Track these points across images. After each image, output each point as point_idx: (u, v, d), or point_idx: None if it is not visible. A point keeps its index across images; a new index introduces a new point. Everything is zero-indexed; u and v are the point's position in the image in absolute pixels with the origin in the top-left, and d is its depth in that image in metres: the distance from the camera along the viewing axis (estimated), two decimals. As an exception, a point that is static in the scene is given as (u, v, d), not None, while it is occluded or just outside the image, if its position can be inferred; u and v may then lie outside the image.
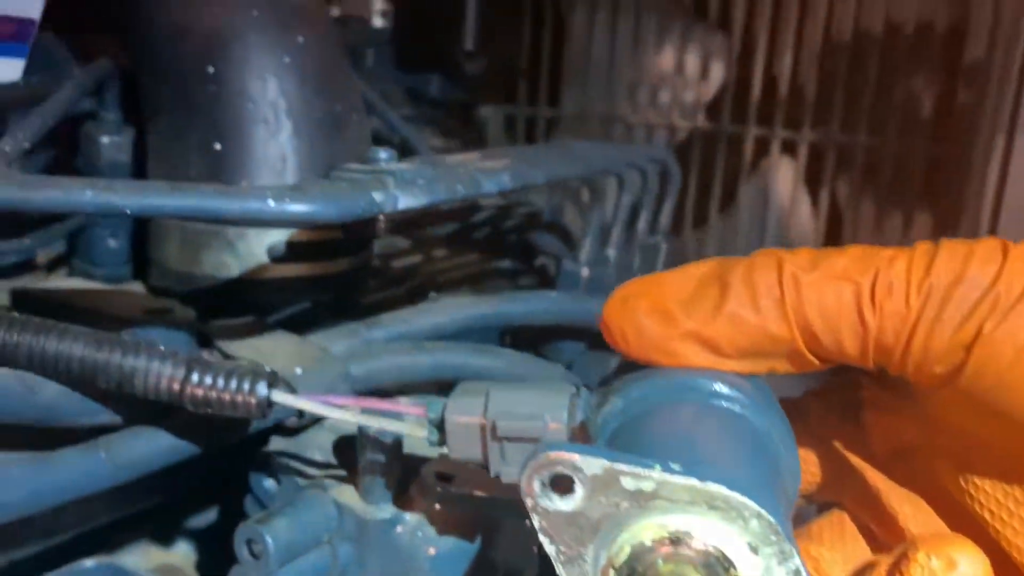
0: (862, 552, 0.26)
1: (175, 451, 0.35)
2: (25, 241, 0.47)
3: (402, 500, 0.35)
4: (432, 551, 0.34)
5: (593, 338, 0.55)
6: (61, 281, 0.50)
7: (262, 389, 0.31)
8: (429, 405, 0.27)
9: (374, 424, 0.29)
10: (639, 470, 0.19)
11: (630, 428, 0.22)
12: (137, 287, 0.49)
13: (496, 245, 0.67)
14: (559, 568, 0.21)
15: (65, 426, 0.34)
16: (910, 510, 0.25)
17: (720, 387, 0.23)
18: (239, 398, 0.31)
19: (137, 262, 0.50)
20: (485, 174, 0.42)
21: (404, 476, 0.35)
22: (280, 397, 0.31)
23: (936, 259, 0.21)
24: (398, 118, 0.61)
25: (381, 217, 0.45)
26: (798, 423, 0.25)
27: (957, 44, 0.75)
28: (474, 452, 0.26)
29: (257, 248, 0.45)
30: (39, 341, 0.30)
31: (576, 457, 0.20)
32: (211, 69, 0.44)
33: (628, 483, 0.19)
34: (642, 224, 0.61)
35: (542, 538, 0.21)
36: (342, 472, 0.37)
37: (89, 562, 0.41)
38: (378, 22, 0.88)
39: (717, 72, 0.89)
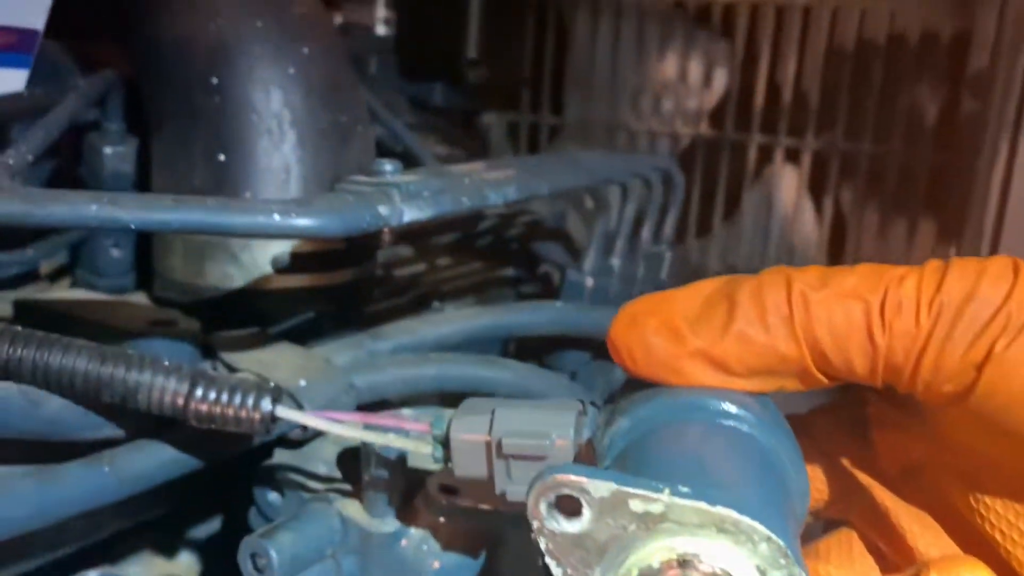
0: (870, 571, 0.26)
1: (179, 464, 0.35)
2: (28, 252, 0.47)
3: (406, 513, 0.35)
4: (436, 565, 0.34)
5: (597, 348, 0.55)
6: (64, 292, 0.50)
7: (266, 404, 0.30)
8: (434, 422, 0.27)
9: (378, 440, 0.29)
10: (647, 493, 0.19)
11: (638, 448, 0.22)
12: (140, 298, 0.49)
13: (499, 253, 0.66)
14: (566, 590, 0.21)
15: (69, 440, 0.34)
16: (919, 529, 0.24)
17: (728, 407, 0.22)
18: (243, 413, 0.30)
19: (140, 272, 0.50)
20: (490, 186, 0.42)
21: (409, 489, 0.35)
22: (284, 413, 0.30)
23: (947, 277, 0.21)
24: (402, 126, 0.61)
25: (386, 229, 0.45)
26: (805, 440, 0.25)
27: (961, 53, 0.75)
28: (479, 470, 0.26)
29: (261, 259, 0.45)
30: (43, 355, 0.30)
31: (583, 480, 0.19)
32: (215, 80, 0.44)
33: (636, 505, 0.19)
34: (646, 233, 0.61)
35: (548, 560, 0.21)
36: (347, 485, 0.37)
37: (92, 573, 0.41)
38: (381, 30, 0.88)
39: (720, 80, 0.89)
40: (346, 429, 0.29)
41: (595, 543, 0.20)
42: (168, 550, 0.46)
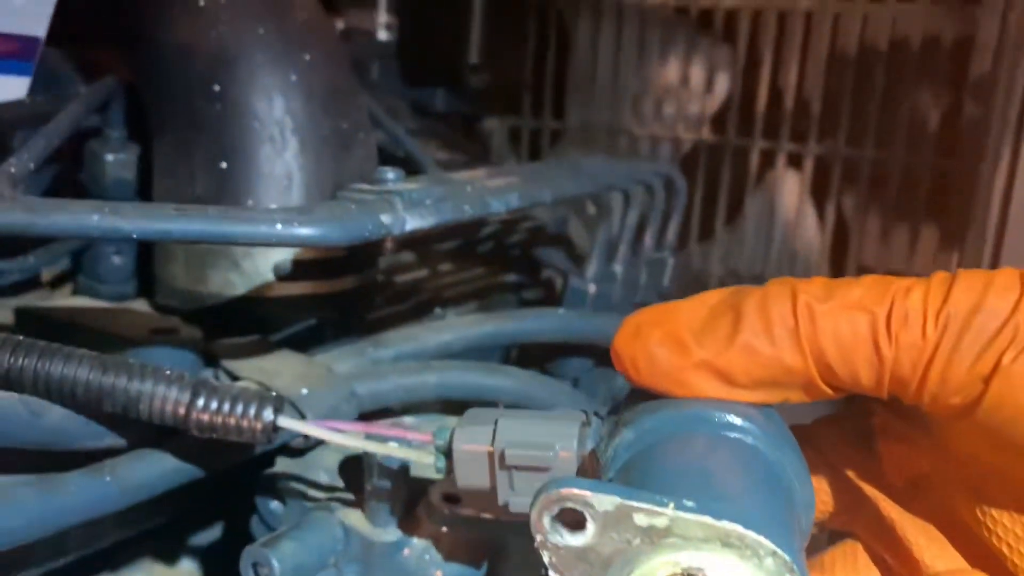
0: (876, 583, 0.26)
1: (181, 474, 0.35)
2: (29, 259, 0.47)
3: (409, 522, 0.34)
4: (439, 574, 0.34)
5: (600, 355, 0.55)
6: (66, 299, 0.50)
7: (268, 414, 0.30)
8: (436, 432, 0.27)
9: (380, 450, 0.29)
10: (652, 507, 0.19)
11: (642, 460, 0.22)
12: (142, 305, 0.49)
13: (501, 260, 0.66)
14: (570, 604, 0.21)
15: (70, 450, 0.33)
16: (925, 541, 0.24)
17: (733, 419, 0.22)
18: (245, 423, 0.30)
19: (142, 279, 0.50)
20: (493, 193, 0.42)
21: (411, 498, 0.35)
22: (286, 422, 0.30)
23: (953, 289, 0.21)
24: (403, 132, 0.61)
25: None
26: (809, 451, 0.24)
27: (963, 58, 0.75)
28: (482, 480, 0.26)
29: (263, 266, 0.45)
30: (44, 365, 0.30)
31: (587, 493, 0.19)
32: (217, 87, 0.44)
33: (640, 519, 0.19)
34: (648, 239, 0.61)
35: (552, 574, 0.21)
36: (349, 493, 0.37)
37: (94, 583, 0.41)
38: (383, 35, 0.88)
39: (722, 85, 0.89)
40: (348, 439, 0.29)
41: (599, 557, 0.20)
42: (170, 559, 0.46)
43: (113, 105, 0.49)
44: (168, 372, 0.31)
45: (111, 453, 0.34)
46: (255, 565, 0.34)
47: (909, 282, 0.22)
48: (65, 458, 0.33)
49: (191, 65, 0.45)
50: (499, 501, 0.26)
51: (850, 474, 0.26)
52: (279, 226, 0.33)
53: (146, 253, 0.49)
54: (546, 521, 0.20)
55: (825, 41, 0.81)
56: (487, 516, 0.30)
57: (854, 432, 0.27)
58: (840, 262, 0.84)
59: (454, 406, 0.43)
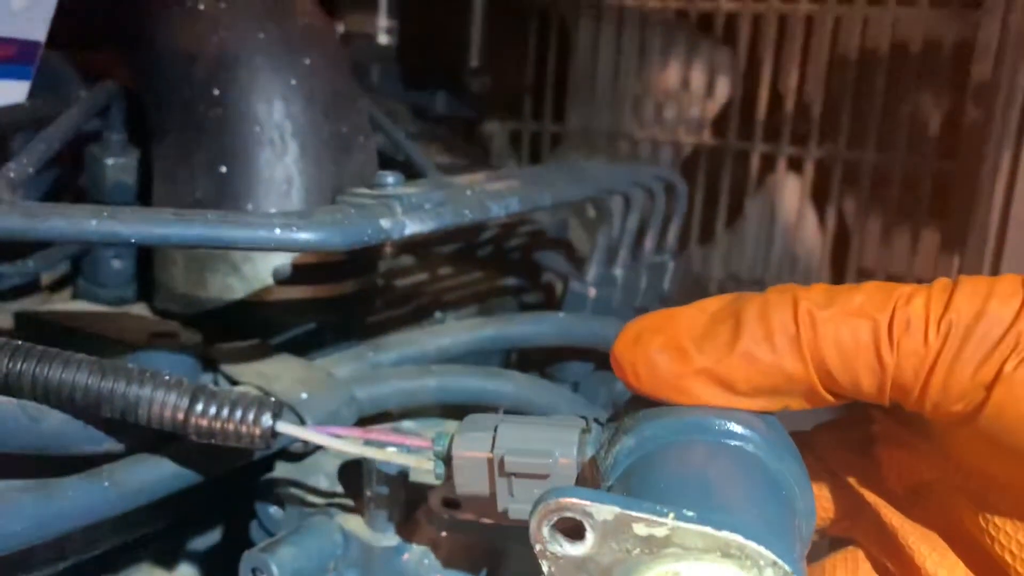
0: (877, 591, 0.26)
1: (179, 478, 0.35)
2: (28, 263, 0.47)
3: (408, 527, 0.34)
4: (438, 579, 0.34)
5: (600, 359, 0.54)
6: (65, 303, 0.50)
7: (266, 420, 0.30)
8: (435, 438, 0.27)
9: (379, 456, 0.29)
10: (652, 517, 0.19)
11: (642, 468, 0.22)
12: (142, 309, 0.49)
13: (501, 263, 0.66)
14: (570, 613, 0.20)
15: (68, 454, 0.33)
16: (927, 549, 0.24)
17: (733, 426, 0.22)
18: (243, 428, 0.30)
19: (142, 283, 0.50)
20: (493, 197, 0.42)
21: (411, 503, 0.35)
22: (285, 428, 0.30)
23: (955, 296, 0.21)
24: (403, 136, 0.61)
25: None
26: (810, 457, 0.24)
27: (964, 61, 0.75)
28: (481, 487, 0.26)
29: (262, 271, 0.45)
30: (42, 370, 0.30)
31: (587, 503, 0.19)
32: (217, 91, 0.44)
33: (640, 529, 0.19)
34: (648, 243, 0.61)
35: (552, 583, 0.20)
36: (348, 498, 0.37)
37: (92, 587, 0.40)
38: (383, 39, 0.88)
39: (723, 88, 0.89)
40: (347, 445, 0.29)
41: (598, 567, 0.20)
42: (169, 564, 0.45)
43: (113, 109, 0.49)
44: (167, 377, 0.31)
45: (110, 458, 0.34)
46: (254, 570, 0.34)
47: (911, 289, 0.22)
48: (63, 463, 0.33)
49: (191, 69, 0.45)
50: (498, 508, 0.26)
51: (851, 481, 0.26)
52: (278, 231, 0.33)
53: (146, 257, 0.49)
54: (545, 530, 0.20)
55: (826, 44, 0.81)
56: (487, 522, 0.30)
57: (855, 439, 0.26)
58: (841, 265, 0.84)
59: (454, 410, 0.43)
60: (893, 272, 0.81)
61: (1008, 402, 0.20)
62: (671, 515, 0.19)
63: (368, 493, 0.34)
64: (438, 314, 0.59)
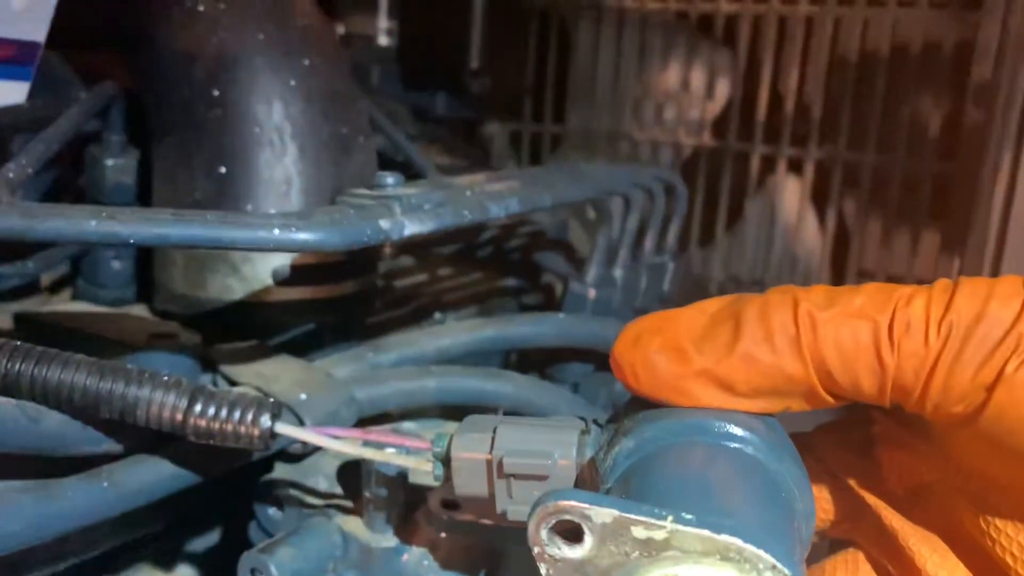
0: (877, 592, 0.26)
1: (178, 479, 0.35)
2: (28, 264, 0.47)
3: (408, 528, 0.34)
4: (438, 581, 0.34)
5: (600, 360, 0.54)
6: (65, 304, 0.50)
7: (265, 420, 0.30)
8: (435, 439, 0.27)
9: (378, 457, 0.29)
10: (651, 519, 0.19)
11: (641, 470, 0.22)
12: (141, 310, 0.49)
13: (501, 264, 0.66)
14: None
15: (67, 455, 0.33)
16: (927, 551, 0.24)
17: (733, 429, 0.22)
18: (242, 429, 0.30)
19: (141, 284, 0.50)
20: (492, 198, 0.42)
21: (410, 503, 0.34)
22: (283, 429, 0.30)
23: (956, 297, 0.21)
24: (403, 137, 0.61)
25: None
26: (810, 459, 0.24)
27: (964, 62, 0.75)
28: (480, 488, 0.26)
29: (262, 271, 0.45)
30: (41, 370, 0.30)
31: (585, 505, 0.19)
32: (216, 92, 0.44)
33: (639, 532, 0.19)
34: (648, 243, 0.61)
35: (550, 585, 0.20)
36: (347, 499, 0.37)
37: (91, 588, 0.40)
38: (383, 40, 0.88)
39: (723, 89, 0.89)
40: (345, 446, 0.29)
41: (597, 570, 0.20)
42: (168, 564, 0.45)
43: (113, 110, 0.49)
44: (165, 377, 0.31)
45: (109, 458, 0.34)
46: (253, 571, 0.34)
47: (911, 290, 0.21)
48: (62, 463, 0.33)
49: (191, 70, 0.45)
50: (497, 509, 0.26)
51: (851, 482, 0.26)
52: (277, 231, 0.32)
53: (145, 258, 0.49)
54: (543, 533, 0.20)
55: (826, 46, 0.81)
56: (486, 523, 0.30)
57: (855, 440, 0.26)
58: (841, 267, 0.84)
59: (454, 411, 0.43)
60: (893, 273, 0.81)
61: (1009, 403, 0.20)
62: (670, 518, 0.19)
63: (367, 494, 0.34)
64: (438, 315, 0.59)
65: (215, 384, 0.40)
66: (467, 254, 0.66)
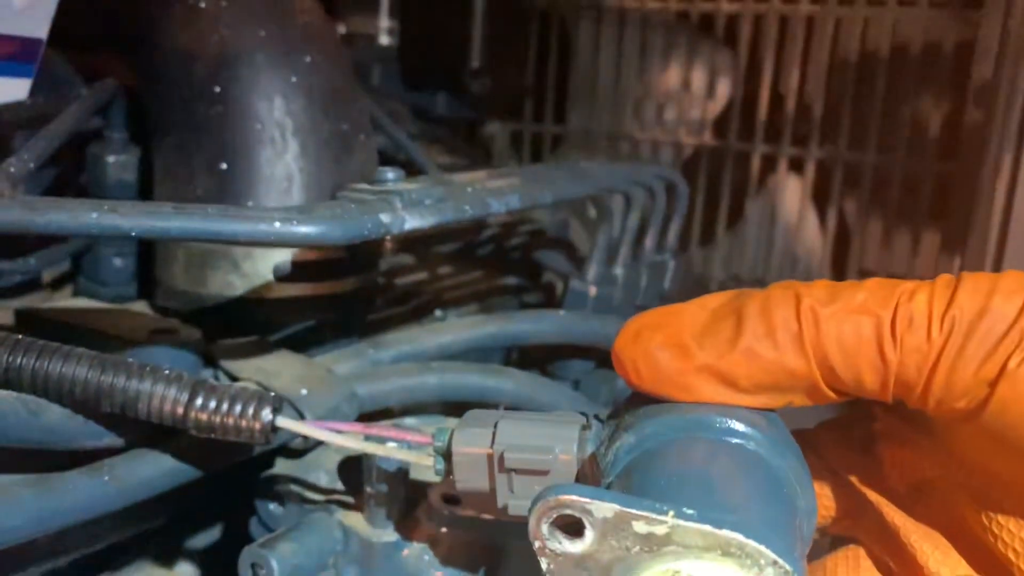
0: (878, 589, 0.26)
1: (179, 473, 0.35)
2: (30, 260, 0.47)
3: (408, 523, 0.34)
4: (439, 575, 0.34)
5: (601, 357, 0.54)
6: (66, 301, 0.50)
7: (266, 414, 0.30)
8: (436, 434, 0.27)
9: (379, 452, 0.29)
10: (651, 514, 0.19)
11: (642, 465, 0.22)
12: (142, 307, 0.49)
13: (502, 262, 0.66)
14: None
15: (68, 449, 0.33)
16: (929, 547, 0.24)
17: (734, 424, 0.22)
18: (243, 423, 0.30)
19: (143, 281, 0.50)
20: (493, 194, 0.42)
21: (411, 498, 0.34)
22: (284, 423, 0.30)
23: (958, 292, 0.21)
24: (404, 136, 0.61)
25: (388, 237, 0.45)
26: (811, 455, 0.24)
27: (965, 62, 0.75)
28: (481, 483, 0.26)
29: (263, 268, 0.45)
30: (42, 364, 0.30)
31: (586, 500, 0.19)
32: (218, 89, 0.44)
33: (640, 527, 0.19)
34: (649, 242, 0.61)
35: (551, 580, 0.20)
36: (348, 494, 0.37)
37: (92, 583, 0.40)
38: (384, 40, 0.88)
39: (723, 89, 0.89)
40: (346, 440, 0.29)
41: (598, 564, 0.20)
42: (168, 559, 0.45)
43: (114, 107, 0.49)
44: (167, 371, 0.31)
45: (110, 452, 0.34)
46: (254, 566, 0.34)
47: (913, 285, 0.21)
48: (64, 457, 0.33)
49: (192, 67, 0.45)
50: (498, 504, 0.26)
51: (853, 479, 0.26)
52: (277, 224, 0.32)
53: (146, 255, 0.49)
54: (544, 528, 0.20)
55: (826, 45, 0.81)
56: (487, 518, 0.30)
57: (857, 436, 0.26)
58: (842, 266, 0.84)
59: (455, 407, 0.43)
60: (894, 273, 0.81)
61: (1012, 399, 0.20)
62: (671, 513, 0.18)
63: (368, 489, 0.34)
64: (438, 312, 0.59)
65: (216, 380, 0.40)
66: (468, 252, 0.66)
